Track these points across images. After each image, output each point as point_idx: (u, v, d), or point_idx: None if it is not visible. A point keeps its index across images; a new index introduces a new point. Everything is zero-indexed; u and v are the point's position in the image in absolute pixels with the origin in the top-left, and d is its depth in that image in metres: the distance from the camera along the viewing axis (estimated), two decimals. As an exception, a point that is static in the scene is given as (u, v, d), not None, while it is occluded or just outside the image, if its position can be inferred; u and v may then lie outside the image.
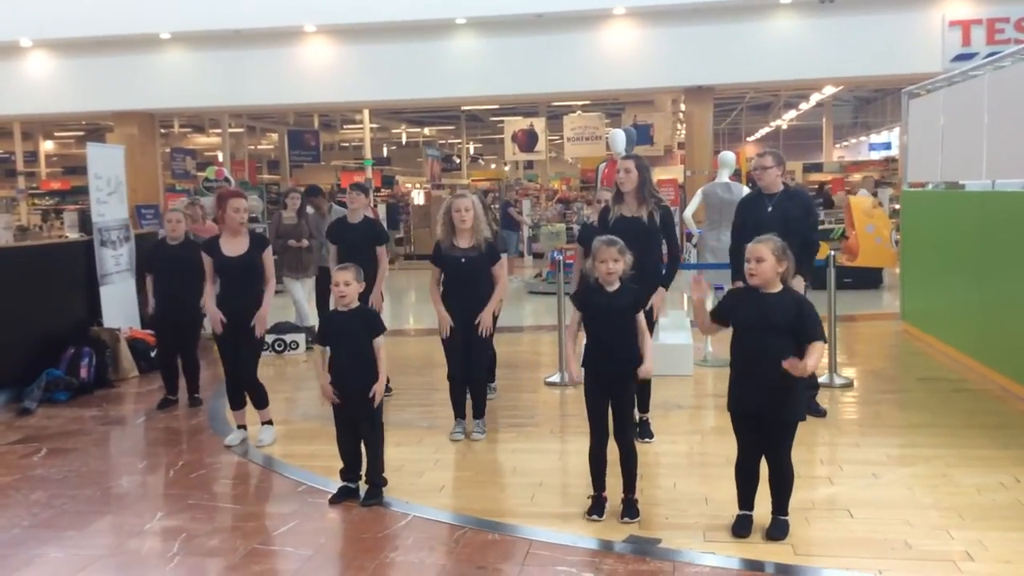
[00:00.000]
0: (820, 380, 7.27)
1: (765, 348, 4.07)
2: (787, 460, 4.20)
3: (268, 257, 6.10)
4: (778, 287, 4.15)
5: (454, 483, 5.29)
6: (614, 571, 3.97)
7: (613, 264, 4.47)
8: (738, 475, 4.33)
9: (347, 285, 4.89)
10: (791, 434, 4.19)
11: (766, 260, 4.10)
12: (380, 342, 4.95)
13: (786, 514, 4.24)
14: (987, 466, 5.15)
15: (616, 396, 4.52)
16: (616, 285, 4.52)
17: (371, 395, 4.85)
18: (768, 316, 4.10)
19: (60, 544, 4.47)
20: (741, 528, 4.27)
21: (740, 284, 6.06)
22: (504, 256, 6.33)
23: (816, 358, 4.07)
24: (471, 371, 6.13)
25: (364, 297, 6.76)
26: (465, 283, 5.95)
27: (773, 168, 6.15)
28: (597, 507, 4.56)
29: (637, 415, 5.84)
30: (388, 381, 6.55)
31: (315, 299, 9.84)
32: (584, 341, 4.62)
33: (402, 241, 21.51)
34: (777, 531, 4.21)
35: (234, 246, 6.01)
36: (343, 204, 10.92)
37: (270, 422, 6.19)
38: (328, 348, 4.99)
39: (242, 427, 6.17)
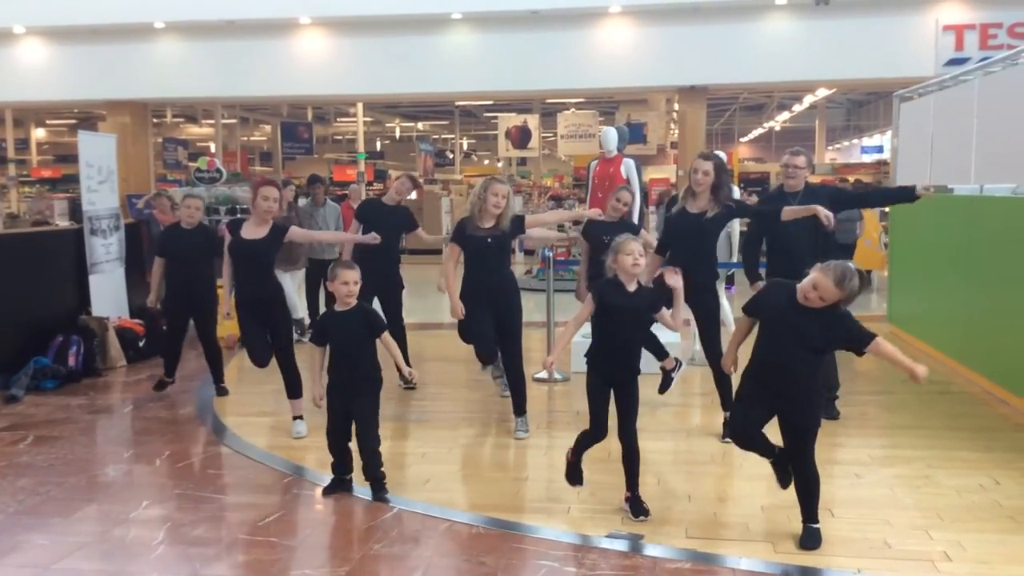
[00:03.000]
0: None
1: (792, 355, 4.01)
2: (811, 465, 4.12)
3: (295, 232, 6.24)
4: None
5: (440, 477, 5.31)
6: (596, 566, 4.00)
7: (639, 257, 4.40)
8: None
9: (356, 284, 4.85)
10: (812, 439, 4.11)
11: (827, 297, 3.91)
12: (387, 337, 4.95)
13: (816, 521, 4.16)
14: (968, 468, 5.20)
15: (620, 396, 4.51)
16: (635, 285, 4.48)
17: (410, 379, 5.03)
18: (803, 325, 3.99)
19: (45, 531, 4.48)
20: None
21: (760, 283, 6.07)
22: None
23: (897, 354, 4.03)
24: (507, 360, 6.06)
25: (400, 284, 7.20)
26: (492, 264, 5.92)
27: (805, 169, 6.16)
28: (575, 472, 4.68)
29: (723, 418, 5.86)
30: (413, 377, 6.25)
31: (305, 291, 9.84)
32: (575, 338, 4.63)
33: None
34: (810, 540, 4.12)
35: (255, 232, 6.01)
36: (337, 199, 10.97)
37: (301, 416, 6.13)
38: (326, 347, 4.92)
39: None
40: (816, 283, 3.90)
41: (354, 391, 4.83)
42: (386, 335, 4.96)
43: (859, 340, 4.00)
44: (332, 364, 4.89)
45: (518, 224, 6.03)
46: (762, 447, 4.26)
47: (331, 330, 4.93)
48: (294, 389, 6.11)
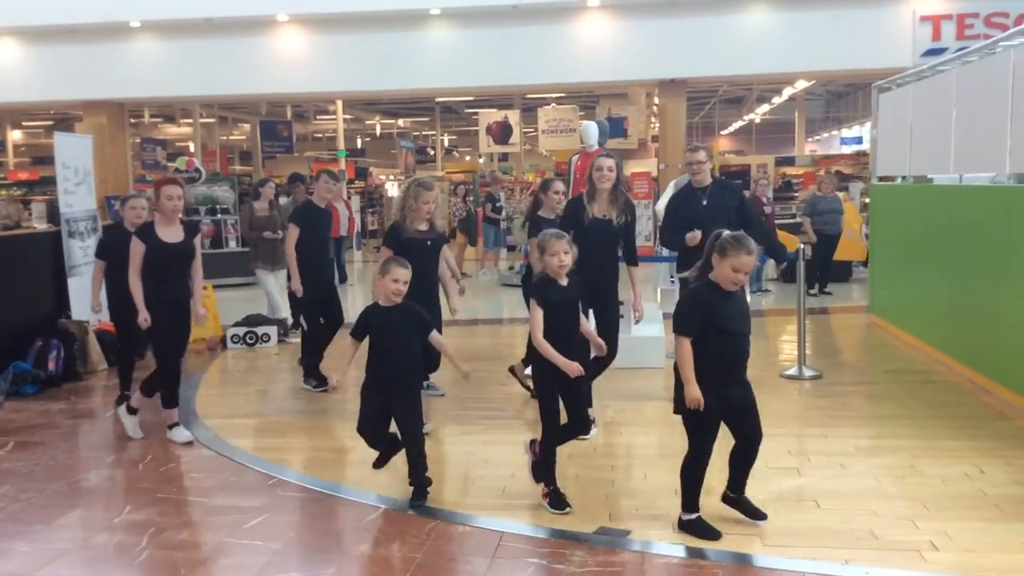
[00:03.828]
0: (789, 372, 7.36)
1: (747, 342, 4.16)
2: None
3: (198, 243, 6.16)
4: None
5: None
6: (584, 563, 3.99)
7: (564, 256, 4.47)
8: (695, 477, 4.22)
9: (406, 284, 4.73)
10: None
11: (748, 269, 4.07)
12: (436, 335, 4.88)
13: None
14: (953, 457, 5.22)
15: (571, 387, 4.52)
16: (566, 279, 4.53)
17: (466, 378, 4.85)
18: (742, 308, 4.17)
19: (27, 538, 4.42)
20: (711, 531, 4.18)
21: (683, 274, 6.20)
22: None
23: None
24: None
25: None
26: (426, 265, 5.95)
27: (707, 162, 6.51)
28: (557, 499, 4.57)
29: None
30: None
31: (287, 291, 9.78)
32: None
33: (376, 233, 21.44)
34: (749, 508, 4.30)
35: (171, 233, 5.96)
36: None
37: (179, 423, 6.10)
38: (360, 342, 4.80)
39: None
40: (737, 266, 4.00)
41: (396, 389, 4.71)
42: (435, 333, 4.87)
43: None
44: (374, 360, 4.74)
45: (442, 235, 6.43)
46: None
47: (376, 325, 4.77)
48: (173, 398, 6.06)
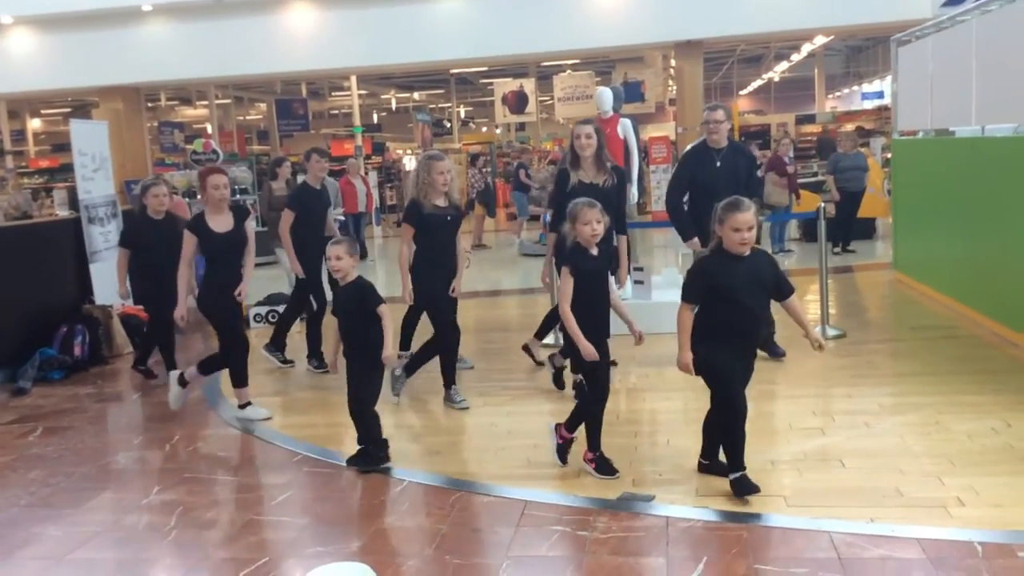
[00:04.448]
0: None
1: (759, 311, 4.16)
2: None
3: (250, 227, 6.14)
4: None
5: (449, 448, 5.31)
6: (608, 528, 4.00)
7: (597, 225, 4.45)
8: (735, 436, 4.18)
9: (339, 259, 4.89)
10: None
11: (755, 227, 4.04)
12: (383, 310, 4.89)
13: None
14: (978, 412, 5.17)
15: (602, 352, 4.54)
16: (596, 248, 4.51)
17: (384, 358, 4.83)
18: (759, 278, 4.11)
19: (58, 522, 4.49)
20: (749, 487, 4.14)
21: (697, 244, 6.17)
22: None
23: (805, 314, 4.25)
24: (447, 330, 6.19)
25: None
26: (448, 241, 6.05)
27: (725, 122, 6.30)
28: (603, 464, 4.59)
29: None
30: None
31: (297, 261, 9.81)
32: None
33: (395, 208, 21.43)
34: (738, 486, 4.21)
35: (221, 222, 5.98)
36: (331, 174, 10.89)
37: (250, 403, 6.13)
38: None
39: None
40: (736, 225, 4.00)
41: (352, 355, 4.92)
42: (383, 308, 4.91)
43: (786, 280, 4.23)
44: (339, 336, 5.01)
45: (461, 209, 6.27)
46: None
47: (335, 304, 5.10)
48: (242, 378, 6.09)
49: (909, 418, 5.18)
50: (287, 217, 7.15)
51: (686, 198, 6.46)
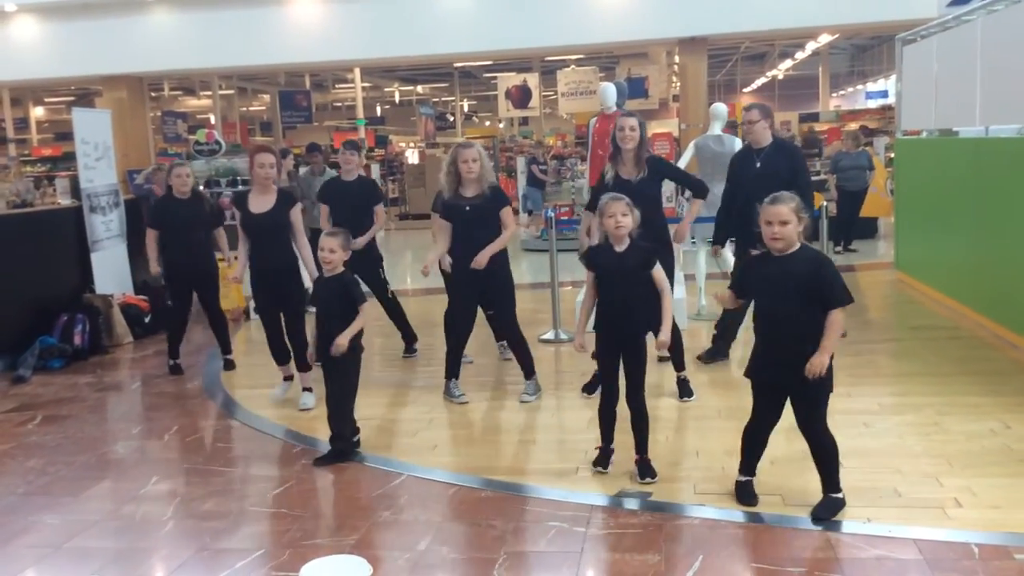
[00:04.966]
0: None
1: (787, 315, 3.81)
2: (824, 433, 3.93)
3: (296, 214, 6.04)
4: (795, 248, 3.84)
5: (448, 441, 5.31)
6: (606, 525, 4.00)
7: (622, 218, 4.38)
8: (746, 439, 4.14)
9: (332, 252, 4.88)
10: (822, 405, 3.92)
11: (790, 222, 3.76)
12: (364, 308, 4.92)
13: (838, 491, 3.95)
14: (978, 413, 5.17)
15: (627, 357, 4.47)
16: (626, 244, 4.44)
17: (331, 349, 4.79)
18: (789, 279, 3.80)
19: (56, 510, 4.49)
20: (746, 496, 4.09)
21: (753, 251, 6.08)
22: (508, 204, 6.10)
23: (834, 334, 3.79)
24: (501, 324, 6.15)
25: (378, 258, 7.08)
26: (473, 232, 5.83)
27: (760, 121, 6.11)
28: (603, 459, 4.58)
29: (675, 374, 5.91)
30: (415, 342, 7.26)
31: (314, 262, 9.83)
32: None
33: (397, 201, 21.41)
34: (824, 510, 3.91)
35: (261, 203, 5.95)
36: (336, 165, 10.88)
37: (310, 388, 6.09)
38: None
39: (289, 378, 6.20)
40: (770, 216, 3.81)
41: (330, 356, 4.87)
42: (364, 307, 4.92)
43: (831, 286, 3.77)
44: (316, 324, 4.99)
45: (501, 198, 5.92)
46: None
47: (316, 295, 5.07)
48: (302, 360, 6.09)
49: (908, 418, 5.18)
50: (324, 211, 7.24)
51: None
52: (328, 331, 4.87)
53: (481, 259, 5.75)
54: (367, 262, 6.95)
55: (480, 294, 6.03)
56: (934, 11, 13.66)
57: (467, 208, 5.81)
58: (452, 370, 6.08)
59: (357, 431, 5.10)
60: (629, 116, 5.82)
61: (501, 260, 5.94)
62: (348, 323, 4.84)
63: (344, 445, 4.96)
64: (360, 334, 4.92)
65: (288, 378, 6.25)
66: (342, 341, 4.78)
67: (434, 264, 6.05)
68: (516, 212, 16.62)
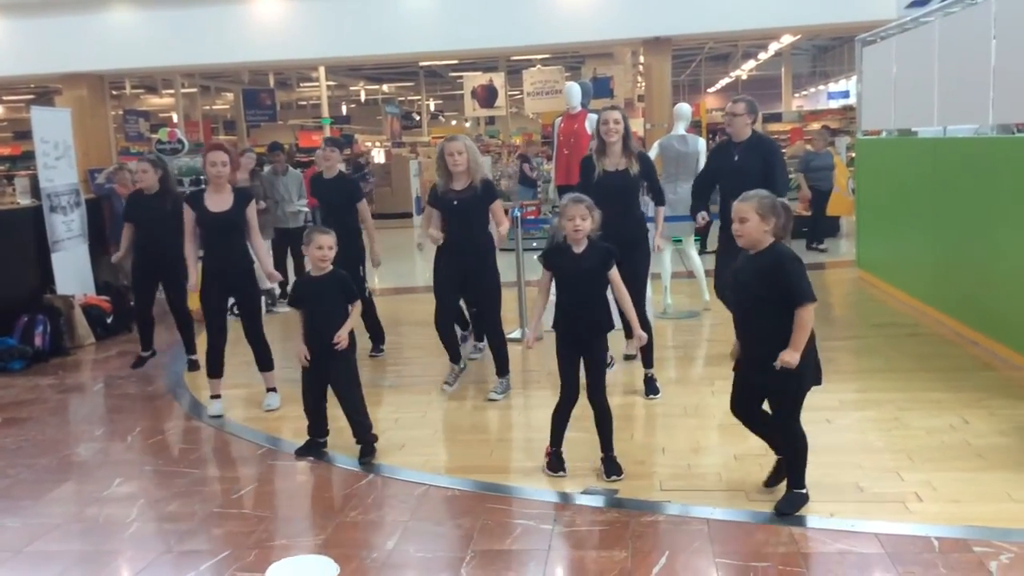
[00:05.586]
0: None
1: (749, 312, 3.92)
2: (791, 430, 3.96)
3: (252, 212, 5.93)
4: (763, 246, 3.88)
5: (414, 441, 5.29)
6: (572, 522, 4.02)
7: (581, 222, 4.39)
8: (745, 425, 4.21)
9: (331, 249, 4.86)
10: (792, 403, 3.95)
11: (749, 220, 3.83)
12: (357, 304, 4.97)
13: (803, 487, 3.99)
14: (938, 409, 5.25)
15: (587, 356, 4.49)
16: (584, 245, 4.46)
17: (335, 342, 4.79)
18: (752, 277, 3.87)
19: (17, 514, 4.43)
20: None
21: (705, 217, 6.43)
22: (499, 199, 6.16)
23: (802, 331, 3.79)
24: (483, 319, 6.16)
25: (358, 257, 6.90)
26: (460, 225, 5.86)
27: (743, 116, 6.16)
28: (557, 462, 4.57)
29: (643, 371, 5.94)
30: (383, 342, 7.31)
31: (272, 261, 9.76)
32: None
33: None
34: (787, 505, 3.95)
35: (218, 202, 5.84)
36: (298, 165, 10.82)
37: (274, 388, 6.06)
38: (301, 311, 4.96)
39: (217, 396, 5.97)
40: (733, 212, 3.90)
41: (329, 354, 4.84)
42: (356, 304, 4.95)
43: (794, 283, 3.79)
44: (306, 328, 4.90)
45: (491, 193, 5.96)
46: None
47: (305, 295, 4.96)
48: (265, 361, 6.05)
49: (869, 414, 5.26)
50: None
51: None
52: (324, 329, 4.81)
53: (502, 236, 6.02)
54: (349, 260, 6.91)
55: (463, 289, 6.09)
56: (893, 13, 13.89)
57: (455, 202, 5.83)
58: (454, 356, 6.19)
59: (327, 432, 5.07)
60: (613, 109, 5.82)
61: (486, 256, 5.99)
62: (343, 319, 4.85)
63: (371, 436, 4.94)
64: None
65: (216, 396, 6.00)
66: (343, 333, 4.81)
67: (426, 239, 6.06)
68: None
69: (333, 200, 7.09)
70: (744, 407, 4.16)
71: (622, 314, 4.66)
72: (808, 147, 12.83)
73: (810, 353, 3.89)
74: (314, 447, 5.02)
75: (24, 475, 4.98)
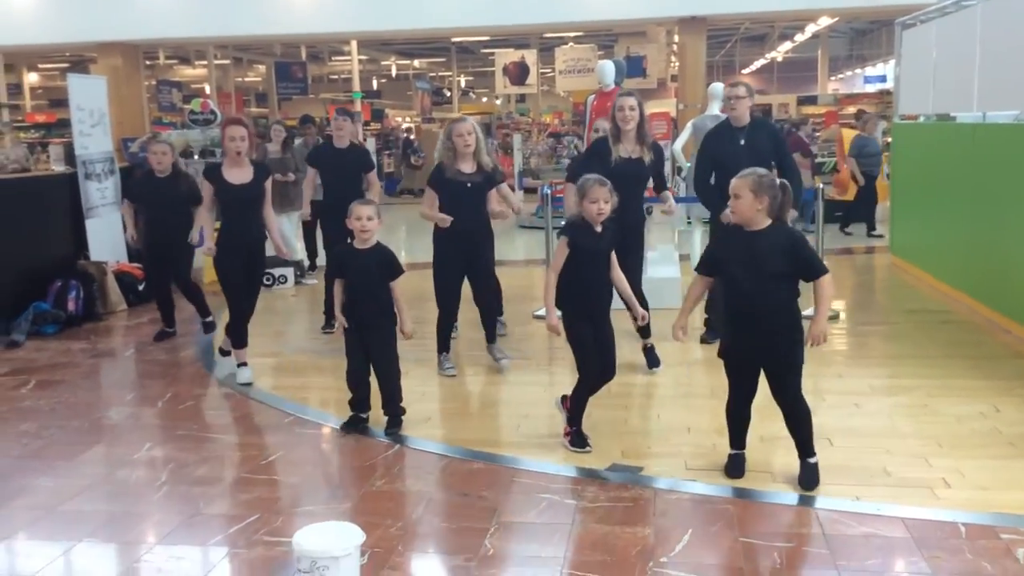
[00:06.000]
0: (806, 313, 7.32)
1: (758, 292, 3.86)
2: (799, 400, 4.00)
3: (269, 185, 6.03)
4: (763, 224, 3.87)
5: (441, 414, 5.33)
6: (596, 498, 4.03)
7: (604, 204, 4.39)
8: (728, 416, 4.19)
9: (369, 220, 4.79)
10: (797, 374, 3.98)
11: (742, 197, 3.83)
12: (397, 284, 4.89)
13: (813, 455, 4.04)
14: (968, 396, 5.20)
15: (600, 333, 4.52)
16: (601, 226, 4.47)
17: (407, 335, 4.92)
18: (757, 256, 3.84)
19: (49, 474, 4.51)
20: (735, 470, 4.15)
21: (729, 216, 6.17)
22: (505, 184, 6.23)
23: (826, 303, 3.93)
24: (483, 300, 6.15)
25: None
26: (472, 207, 5.85)
27: (747, 99, 6.06)
28: (580, 439, 4.57)
29: (641, 343, 5.94)
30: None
31: (302, 233, 9.84)
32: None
33: (393, 175, 21.34)
34: (808, 476, 4.01)
35: (238, 175, 5.89)
36: (329, 138, 10.84)
37: (245, 363, 6.07)
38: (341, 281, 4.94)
39: (244, 364, 6.02)
40: (732, 188, 3.90)
41: (370, 326, 4.84)
42: (398, 281, 4.90)
43: (808, 259, 3.93)
44: (347, 301, 4.87)
45: (499, 173, 6.06)
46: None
47: (347, 265, 4.90)
48: (240, 337, 6.04)
49: (899, 400, 5.22)
50: (311, 175, 7.40)
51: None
52: (365, 301, 4.80)
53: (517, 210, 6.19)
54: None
55: (464, 272, 6.05)
56: (935, -5, 13.64)
57: (468, 184, 5.82)
58: (442, 344, 6.11)
59: (369, 407, 5.05)
60: (628, 96, 5.77)
61: (491, 237, 6.07)
62: (385, 295, 4.84)
63: (400, 409, 4.98)
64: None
65: (243, 364, 6.05)
66: (408, 329, 4.94)
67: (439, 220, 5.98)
68: (513, 189, 16.67)
69: (344, 170, 7.10)
70: (748, 405, 4.15)
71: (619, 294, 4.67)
72: (862, 132, 12.42)
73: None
74: (358, 422, 4.99)
75: (57, 436, 5.06)
